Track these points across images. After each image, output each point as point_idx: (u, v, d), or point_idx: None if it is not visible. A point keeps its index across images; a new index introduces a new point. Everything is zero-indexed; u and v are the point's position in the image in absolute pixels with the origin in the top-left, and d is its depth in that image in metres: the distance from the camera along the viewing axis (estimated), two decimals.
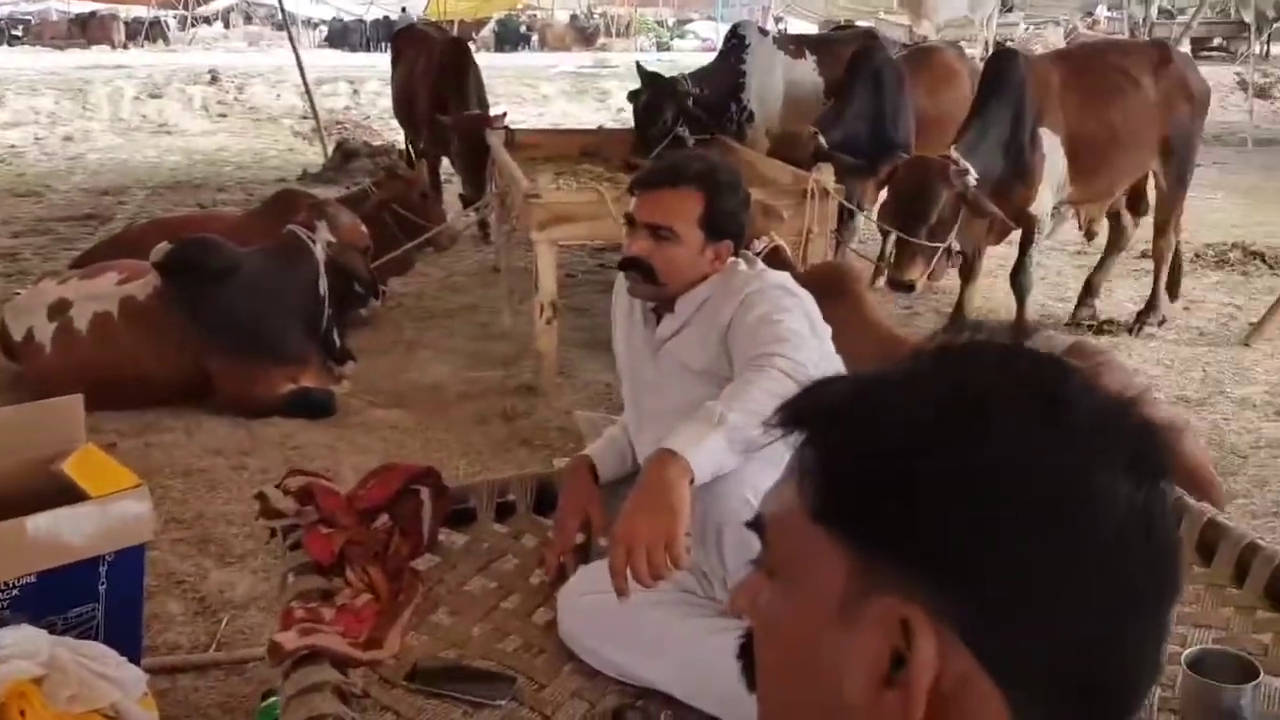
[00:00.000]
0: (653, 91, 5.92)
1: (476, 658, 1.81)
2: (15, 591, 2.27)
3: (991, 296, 5.83)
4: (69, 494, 2.38)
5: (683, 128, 5.80)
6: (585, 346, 5.09)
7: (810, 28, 15.80)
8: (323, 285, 4.41)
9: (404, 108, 7.88)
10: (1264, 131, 13.34)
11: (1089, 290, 5.63)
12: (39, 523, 2.26)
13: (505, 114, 6.69)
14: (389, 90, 15.05)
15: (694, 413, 1.67)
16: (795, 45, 6.77)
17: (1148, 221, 5.74)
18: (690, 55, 7.29)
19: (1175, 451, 0.62)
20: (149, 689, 2.16)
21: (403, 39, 8.34)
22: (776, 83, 6.32)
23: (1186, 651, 1.61)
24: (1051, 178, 5.01)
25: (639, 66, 6.32)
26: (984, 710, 0.57)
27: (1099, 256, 5.91)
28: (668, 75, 6.16)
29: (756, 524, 0.67)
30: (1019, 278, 5.22)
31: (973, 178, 4.52)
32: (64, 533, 2.29)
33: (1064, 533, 0.57)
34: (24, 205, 8.86)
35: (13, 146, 12.25)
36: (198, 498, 3.56)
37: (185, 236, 4.48)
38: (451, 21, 16.28)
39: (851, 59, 5.75)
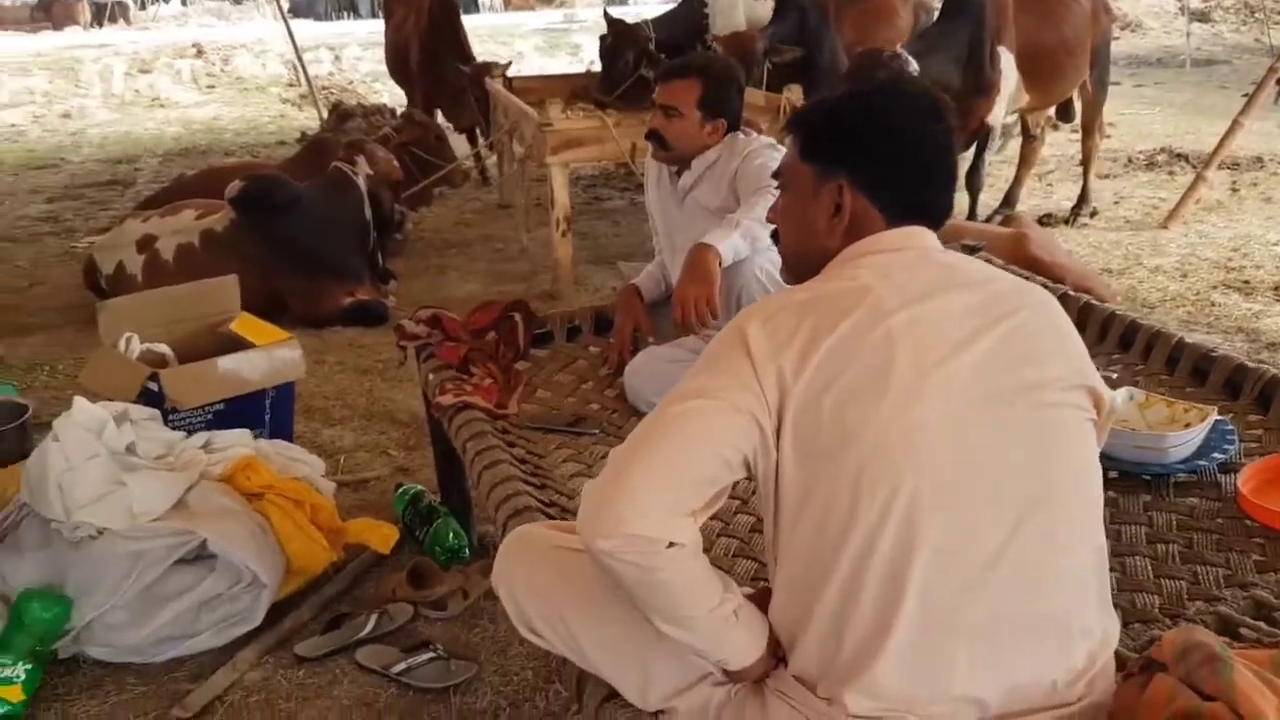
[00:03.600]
0: (615, 35, 6.64)
1: (570, 414, 2.59)
2: (210, 415, 3.03)
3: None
4: (239, 347, 3.15)
5: (646, 69, 6.47)
6: (591, 262, 5.86)
7: None
8: (368, 212, 5.14)
9: (398, 64, 8.44)
10: (1201, 53, 14.19)
11: (1007, 202, 6.42)
12: (226, 362, 3.03)
13: (510, 63, 7.36)
14: (368, 54, 15.59)
15: (718, 223, 2.48)
16: None
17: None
18: (658, 7, 8.03)
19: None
20: None
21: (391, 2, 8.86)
22: (738, 21, 7.02)
23: None
24: (1005, 91, 5.78)
25: (605, 13, 7.04)
26: (873, 220, 1.42)
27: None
28: (628, 22, 6.87)
29: (777, 174, 1.46)
30: (972, 179, 6.00)
31: (914, 68, 5.20)
32: (243, 370, 3.05)
33: (902, 145, 1.37)
34: (46, 176, 9.46)
35: (13, 126, 12.76)
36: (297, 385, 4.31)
37: (250, 175, 5.16)
38: None
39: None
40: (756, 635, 1.39)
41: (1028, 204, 6.69)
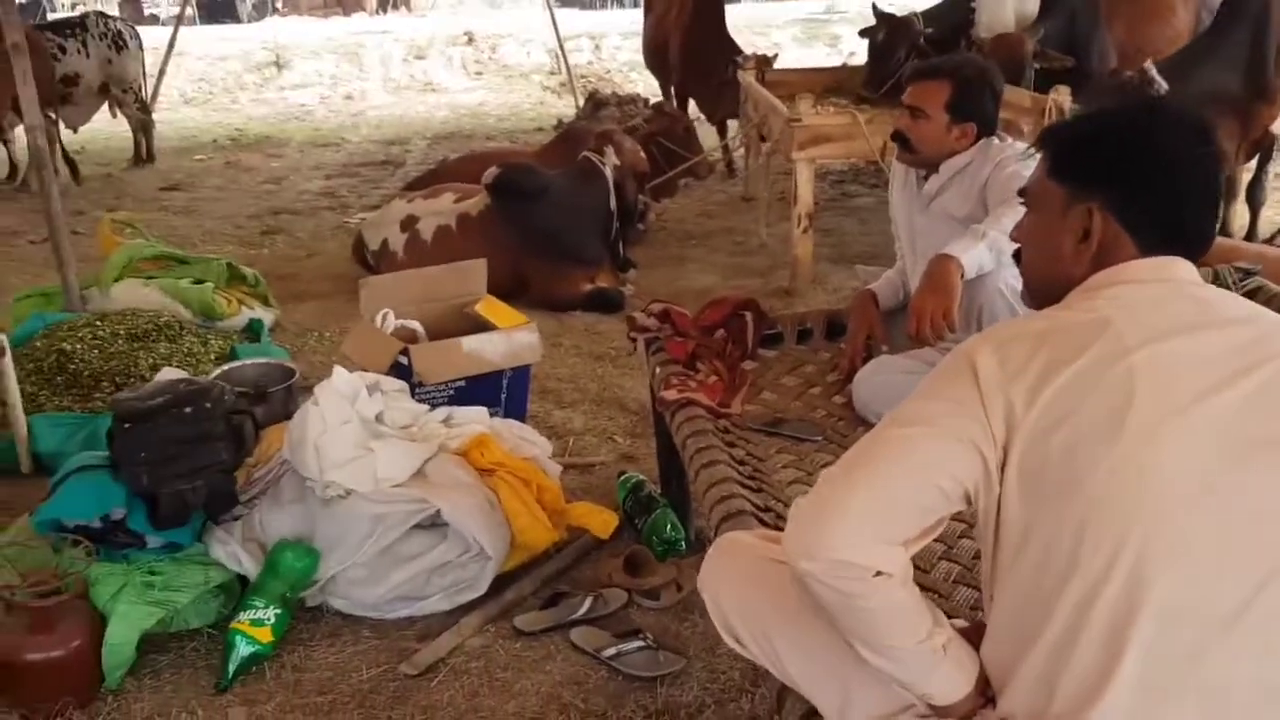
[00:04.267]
0: (888, 29, 6.49)
1: (794, 419, 2.57)
2: (452, 391, 3.20)
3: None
4: (482, 328, 3.30)
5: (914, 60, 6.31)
6: (831, 260, 5.78)
7: None
8: (612, 201, 5.27)
9: (656, 55, 8.63)
10: None
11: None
12: (469, 342, 3.19)
13: (776, 55, 7.37)
14: (627, 44, 15.95)
15: (952, 238, 2.39)
16: None
17: None
18: (929, 6, 7.80)
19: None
20: None
21: None
22: (1006, 17, 6.73)
23: None
24: None
25: (874, 7, 6.90)
26: (1124, 248, 1.33)
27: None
28: (901, 15, 6.70)
29: (1022, 191, 1.39)
30: (1254, 193, 5.53)
31: (1161, 88, 4.83)
32: (484, 351, 3.21)
33: (1163, 169, 1.28)
34: (327, 154, 10.24)
35: (303, 105, 13.89)
36: (534, 367, 4.48)
37: (503, 164, 5.41)
38: None
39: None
40: (965, 672, 1.34)
41: None
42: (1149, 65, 4.97)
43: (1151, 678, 1.20)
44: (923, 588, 1.88)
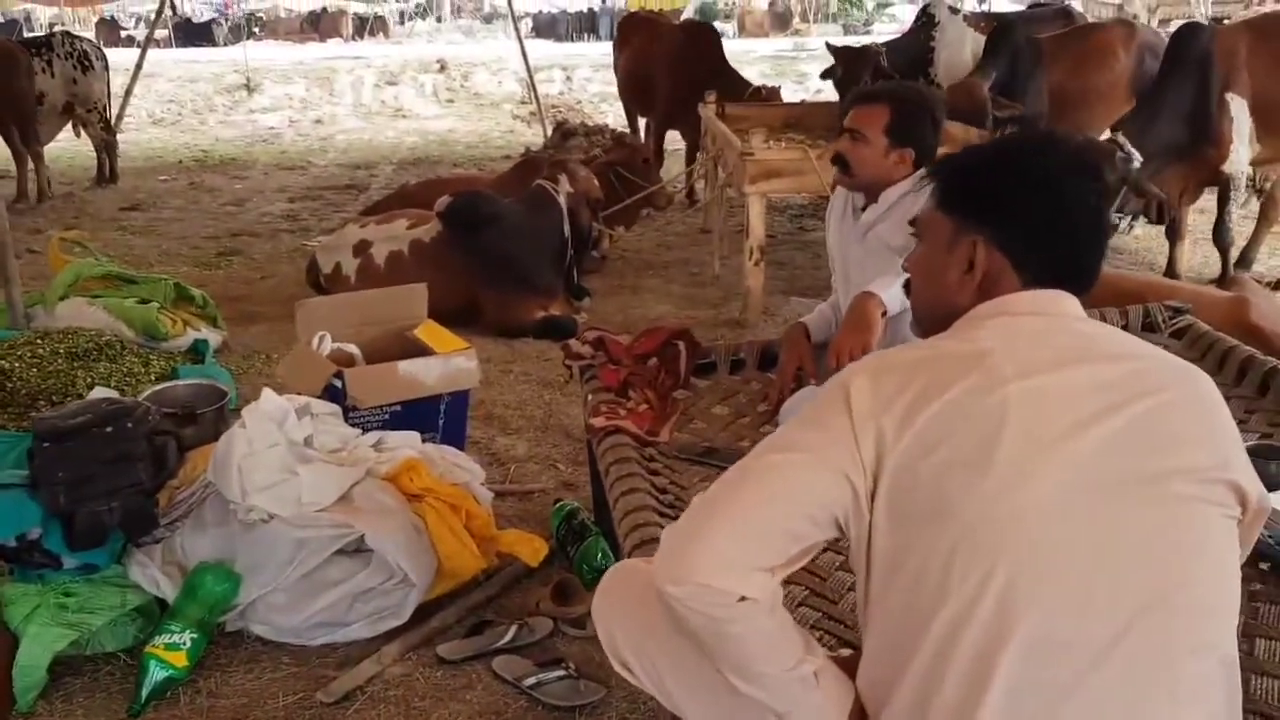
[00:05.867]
0: (846, 63, 6.59)
1: (723, 447, 2.57)
2: (387, 415, 3.18)
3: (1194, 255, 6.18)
4: (421, 353, 3.29)
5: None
6: (784, 292, 5.81)
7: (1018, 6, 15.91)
8: (566, 229, 5.28)
9: (635, 87, 8.61)
10: None
11: (1243, 261, 5.89)
12: (406, 366, 3.17)
13: (779, 88, 7.55)
14: (598, 75, 16.04)
15: (886, 270, 2.40)
16: (987, 22, 7.25)
17: None
18: (888, 39, 7.96)
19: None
20: None
21: (629, 26, 9.10)
22: (964, 57, 6.84)
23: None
24: (1240, 138, 5.38)
25: (828, 45, 7.01)
26: (1009, 280, 1.32)
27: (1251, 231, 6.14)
28: (858, 46, 6.82)
29: (913, 221, 1.40)
30: (1219, 234, 5.62)
31: (1136, 162, 4.97)
32: (420, 375, 3.19)
33: (1048, 204, 1.28)
34: (292, 177, 10.22)
35: (272, 128, 13.89)
36: (477, 392, 4.46)
37: (458, 190, 5.41)
38: (654, 10, 17.20)
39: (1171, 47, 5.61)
40: (837, 701, 1.33)
41: (1267, 264, 6.19)
42: (1120, 137, 5.07)
43: (1019, 710, 1.19)
44: (830, 618, 1.89)
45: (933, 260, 1.42)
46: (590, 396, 2.74)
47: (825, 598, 1.95)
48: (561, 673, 2.47)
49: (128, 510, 2.63)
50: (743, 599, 1.24)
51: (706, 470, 2.46)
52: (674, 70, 7.77)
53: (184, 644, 2.49)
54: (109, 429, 2.65)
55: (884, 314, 2.39)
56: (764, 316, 5.34)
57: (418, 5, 34.45)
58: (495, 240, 5.10)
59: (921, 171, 2.72)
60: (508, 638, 2.62)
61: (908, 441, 1.23)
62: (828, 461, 1.25)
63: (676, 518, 2.15)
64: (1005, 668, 1.19)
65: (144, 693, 2.43)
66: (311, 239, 7.29)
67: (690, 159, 7.99)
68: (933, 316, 1.44)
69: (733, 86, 7.54)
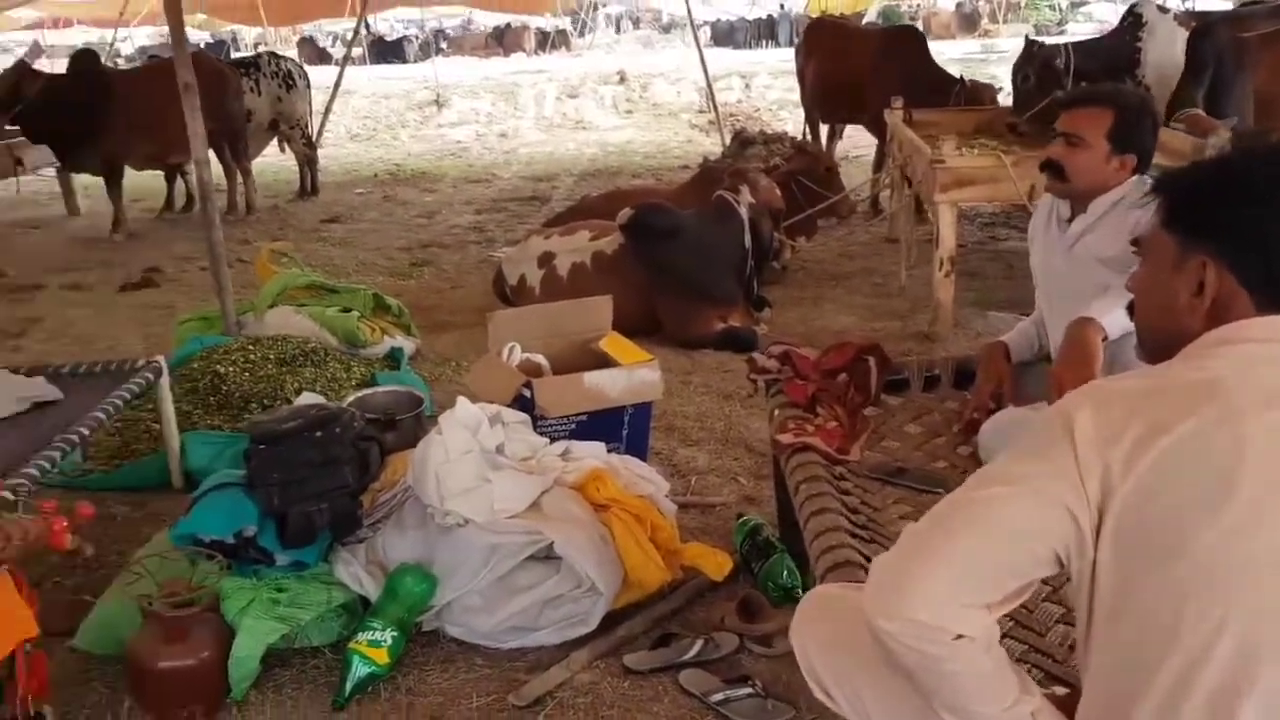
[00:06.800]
0: (1024, 54, 6.38)
1: (915, 468, 2.50)
2: (573, 425, 3.24)
3: None
4: (605, 364, 3.33)
5: (1060, 91, 6.13)
6: (975, 305, 5.63)
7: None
8: (747, 240, 5.26)
9: (829, 94, 8.48)
10: None
11: None
12: (591, 378, 3.22)
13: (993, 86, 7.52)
14: (777, 82, 15.95)
15: (1104, 291, 2.28)
16: (1196, 20, 6.84)
17: None
18: (1081, 39, 7.66)
19: None
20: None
21: (818, 32, 8.97)
22: (1176, 57, 6.46)
23: None
24: None
25: (1026, 38, 6.76)
26: (1241, 304, 1.25)
27: None
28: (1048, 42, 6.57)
29: (1136, 240, 1.32)
30: None
31: None
32: (605, 386, 3.23)
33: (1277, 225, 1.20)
34: (477, 189, 10.57)
35: (459, 142, 14.41)
36: (658, 403, 4.50)
37: (639, 203, 5.47)
38: (837, 15, 16.97)
39: None
40: None
41: None
42: None
43: None
44: (1037, 650, 1.81)
45: (1159, 281, 1.34)
46: (776, 412, 2.72)
47: (1032, 630, 1.87)
48: (749, 691, 2.46)
49: (335, 511, 2.76)
50: (959, 636, 1.20)
51: (899, 492, 2.41)
52: (881, 75, 7.62)
53: (385, 641, 2.59)
54: (319, 434, 2.79)
55: (1104, 339, 2.26)
56: (954, 330, 5.19)
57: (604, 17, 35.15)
58: (676, 252, 5.13)
59: (1135, 179, 2.58)
60: (693, 652, 2.63)
61: (1136, 478, 1.16)
62: (1050, 495, 1.19)
63: (869, 540, 2.12)
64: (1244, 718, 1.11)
65: (348, 686, 2.54)
66: (497, 250, 7.52)
67: (878, 167, 7.85)
68: (1159, 341, 1.35)
69: (944, 89, 7.38)
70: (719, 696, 2.46)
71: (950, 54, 18.55)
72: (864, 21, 15.68)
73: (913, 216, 6.22)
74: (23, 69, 8.30)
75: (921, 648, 1.21)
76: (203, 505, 2.81)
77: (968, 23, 28.81)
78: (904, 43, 8.01)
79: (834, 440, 2.53)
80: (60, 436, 3.00)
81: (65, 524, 2.13)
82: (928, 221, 5.98)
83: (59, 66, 9.03)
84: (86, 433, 3.07)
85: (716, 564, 2.85)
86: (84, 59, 8.39)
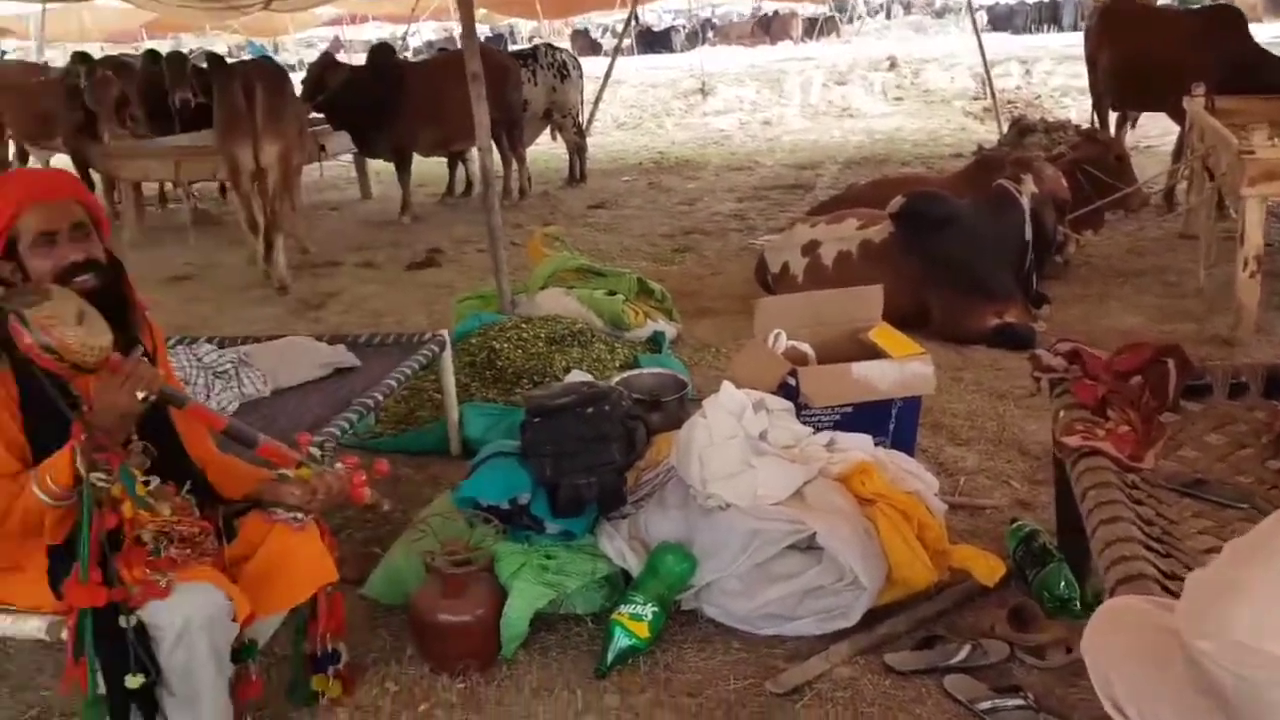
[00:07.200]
0: None
1: (1216, 481, 2.29)
2: (838, 416, 3.18)
3: None
4: (874, 356, 3.25)
5: None
6: None
7: None
8: (1028, 232, 5.00)
9: (1131, 80, 7.90)
10: None
11: None
12: (860, 368, 3.15)
13: None
14: (1060, 68, 15.10)
15: None
16: None
17: None
18: None
19: None
20: None
21: (1115, 15, 8.34)
22: None
23: None
24: None
25: None
26: None
27: None
28: None
29: None
30: None
31: None
32: (874, 378, 3.15)
33: None
34: (739, 177, 10.59)
35: (723, 130, 14.49)
36: (925, 399, 4.34)
37: (911, 190, 5.30)
38: None
39: None
40: None
41: None
42: None
43: None
44: None
45: None
46: (1062, 413, 2.56)
47: None
48: (1020, 702, 2.34)
49: (603, 486, 2.84)
50: None
51: (1198, 505, 2.22)
52: (1197, 59, 7.05)
53: (646, 616, 2.64)
54: (589, 410, 2.88)
55: None
56: (1259, 335, 4.74)
57: (875, 5, 34.42)
58: (950, 242, 4.94)
59: None
60: (960, 656, 2.53)
61: None
62: None
63: (1164, 554, 1.96)
64: None
65: (610, 656, 2.61)
66: (758, 237, 7.51)
67: (1177, 157, 7.27)
68: None
69: (1271, 75, 6.76)
70: (986, 705, 2.36)
71: (1258, 37, 17.00)
72: (1160, 2, 14.54)
73: (1213, 212, 5.70)
74: (327, 61, 8.99)
75: (1242, 672, 1.10)
76: (482, 471, 2.96)
77: (1276, 4, 26.17)
78: (1224, 24, 7.34)
79: (1126, 446, 2.36)
80: (358, 400, 3.24)
81: (364, 479, 2.29)
82: (1229, 217, 5.50)
83: (355, 61, 9.73)
84: (380, 398, 3.30)
85: (988, 568, 2.73)
86: (381, 52, 9.03)
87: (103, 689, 2.00)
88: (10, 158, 9.92)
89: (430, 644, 2.66)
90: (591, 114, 12.01)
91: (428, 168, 9.77)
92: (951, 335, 4.91)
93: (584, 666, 2.65)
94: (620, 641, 2.61)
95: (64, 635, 2.02)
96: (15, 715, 2.57)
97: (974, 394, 4.37)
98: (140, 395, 1.98)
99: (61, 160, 9.05)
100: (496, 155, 9.63)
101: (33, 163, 9.58)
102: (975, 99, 14.32)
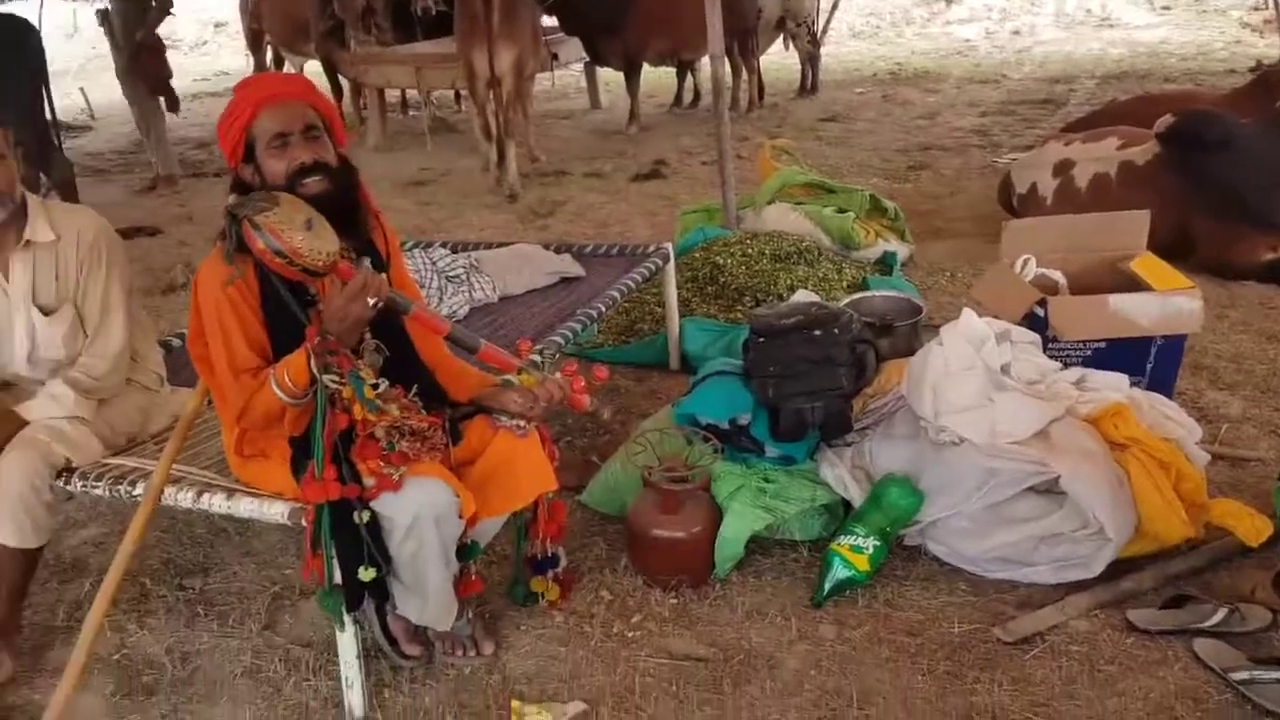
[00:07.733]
0: None
1: None
2: (1089, 351, 2.94)
3: None
4: (1135, 287, 2.97)
5: None
6: None
7: None
8: None
9: None
10: None
11: None
12: (1117, 301, 2.89)
13: None
14: None
15: None
16: None
17: None
18: None
19: None
20: None
21: None
22: None
23: None
24: None
25: None
26: None
27: None
28: None
29: None
30: None
31: None
32: (1133, 312, 2.89)
33: None
34: (984, 91, 9.99)
35: (967, 40, 13.70)
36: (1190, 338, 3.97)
37: (1183, 109, 4.81)
38: None
39: None
40: None
41: None
42: None
43: None
44: None
45: None
46: None
47: None
48: None
49: (827, 411, 2.73)
50: None
51: None
52: None
53: (866, 549, 2.53)
54: (817, 332, 2.76)
55: None
56: None
57: None
58: (1224, 167, 4.47)
59: None
60: (1214, 620, 2.31)
61: None
62: None
63: None
64: None
65: (826, 586, 2.53)
66: (1003, 155, 7.07)
67: None
68: None
69: None
70: (1243, 675, 2.15)
71: None
72: None
73: None
74: None
75: None
76: (703, 389, 2.90)
77: None
78: None
79: None
80: (582, 310, 3.24)
81: (584, 386, 2.28)
82: None
83: None
84: (604, 308, 3.29)
85: (1253, 527, 2.47)
86: None
87: (339, 579, 2.08)
88: (268, 63, 10.50)
89: (645, 557, 2.65)
90: (827, 22, 11.54)
91: (655, 77, 9.69)
92: (1219, 268, 4.48)
93: (798, 594, 2.58)
94: (839, 572, 2.53)
95: (304, 522, 2.11)
96: (261, 589, 2.75)
97: (1241, 334, 3.97)
98: (369, 302, 2.01)
99: (313, 67, 9.50)
100: (727, 65, 9.49)
101: (287, 68, 10.08)
102: (1255, 9, 12.93)
